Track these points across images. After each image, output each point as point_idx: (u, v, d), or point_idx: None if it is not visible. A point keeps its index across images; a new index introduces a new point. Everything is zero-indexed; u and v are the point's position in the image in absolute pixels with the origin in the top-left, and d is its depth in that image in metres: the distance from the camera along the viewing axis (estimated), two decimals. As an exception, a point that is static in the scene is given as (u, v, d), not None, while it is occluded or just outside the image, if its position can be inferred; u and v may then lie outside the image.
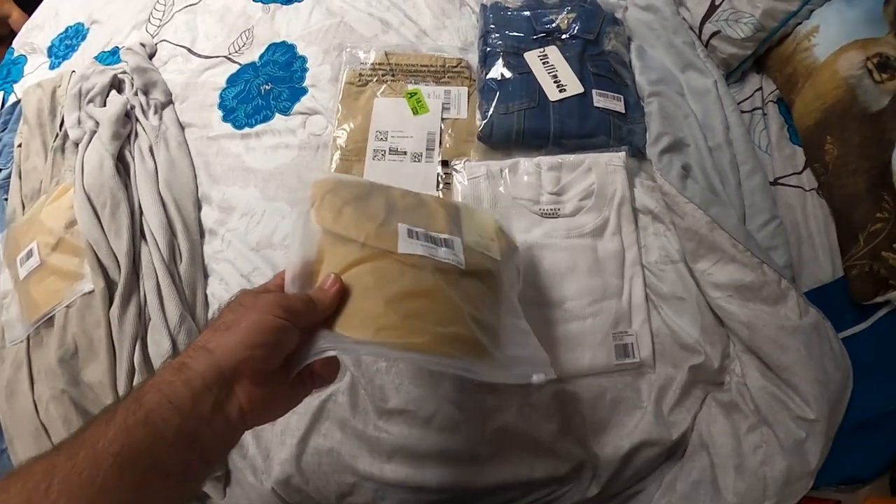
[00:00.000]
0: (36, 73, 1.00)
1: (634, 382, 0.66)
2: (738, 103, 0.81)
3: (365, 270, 0.43)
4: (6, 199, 0.87)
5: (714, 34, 0.82)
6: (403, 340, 0.40)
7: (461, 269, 0.46)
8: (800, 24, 0.77)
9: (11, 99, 1.01)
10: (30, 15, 1.28)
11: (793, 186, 0.74)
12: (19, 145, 0.89)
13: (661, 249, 0.71)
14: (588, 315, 0.67)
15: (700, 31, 0.84)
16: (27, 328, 0.74)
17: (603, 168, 0.73)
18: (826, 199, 0.70)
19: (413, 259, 0.44)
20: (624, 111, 0.76)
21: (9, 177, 0.89)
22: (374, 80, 0.80)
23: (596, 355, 0.66)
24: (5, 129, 0.96)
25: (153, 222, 0.74)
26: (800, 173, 0.74)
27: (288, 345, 0.37)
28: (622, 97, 0.77)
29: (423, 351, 0.40)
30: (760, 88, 0.81)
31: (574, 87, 0.76)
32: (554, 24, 0.82)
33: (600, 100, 0.76)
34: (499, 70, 0.78)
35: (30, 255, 0.76)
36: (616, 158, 0.73)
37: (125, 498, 0.31)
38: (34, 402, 0.70)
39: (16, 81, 1.03)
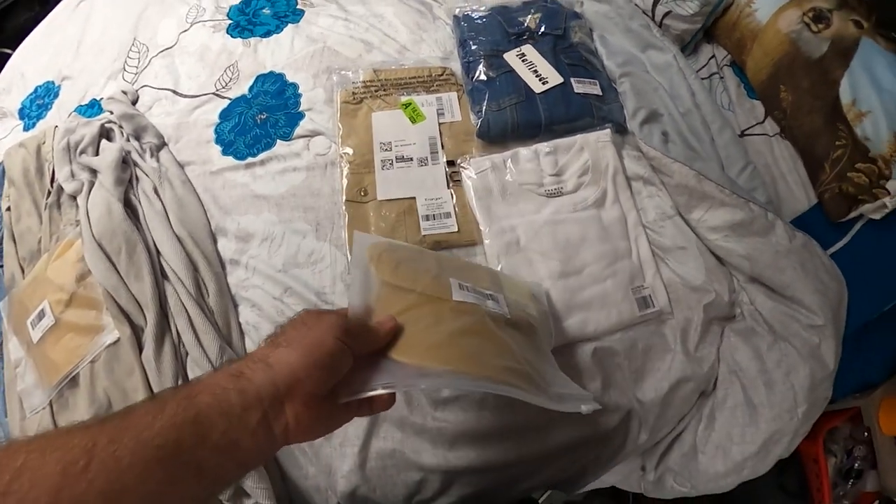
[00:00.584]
0: (11, 136, 0.97)
1: (659, 329, 0.72)
2: (697, 71, 0.91)
3: (423, 311, 0.47)
4: (1, 266, 0.84)
5: (666, 14, 0.92)
6: (467, 370, 0.43)
7: (507, 318, 0.52)
8: None
9: (-10, 165, 0.97)
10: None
11: (758, 135, 0.84)
12: (7, 209, 0.86)
13: (656, 208, 0.79)
14: (607, 277, 0.74)
15: (653, 13, 0.95)
16: (48, 393, 0.71)
17: (594, 145, 0.80)
18: (789, 139, 0.81)
19: (465, 306, 0.49)
20: (601, 93, 0.84)
21: (0, 242, 0.86)
22: (368, 96, 0.84)
23: (621, 310, 0.72)
24: (-14, 195, 0.92)
25: (173, 260, 0.74)
26: (762, 122, 0.84)
27: (343, 368, 0.39)
28: (597, 81, 0.85)
29: (489, 379, 0.43)
30: (713, 56, 0.92)
31: (554, 78, 0.83)
32: (524, 25, 0.89)
33: (579, 86, 0.83)
34: (483, 73, 0.84)
35: (42, 315, 0.74)
36: (603, 135, 0.81)
37: (158, 490, 0.32)
38: None
39: (-10, 146, 1.00)
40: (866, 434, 0.89)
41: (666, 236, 0.77)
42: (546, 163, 0.80)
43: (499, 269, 0.73)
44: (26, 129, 0.96)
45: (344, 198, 0.78)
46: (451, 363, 0.43)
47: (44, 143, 0.87)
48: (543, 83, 0.83)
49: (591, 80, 0.85)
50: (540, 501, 0.67)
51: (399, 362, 0.42)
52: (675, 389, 0.70)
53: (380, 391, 0.40)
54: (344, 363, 0.38)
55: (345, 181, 0.79)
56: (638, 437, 0.71)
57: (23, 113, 0.99)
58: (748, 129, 0.85)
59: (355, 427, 0.67)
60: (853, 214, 0.72)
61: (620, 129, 0.83)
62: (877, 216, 0.71)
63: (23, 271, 0.82)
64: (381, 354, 0.43)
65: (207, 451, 0.33)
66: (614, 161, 0.80)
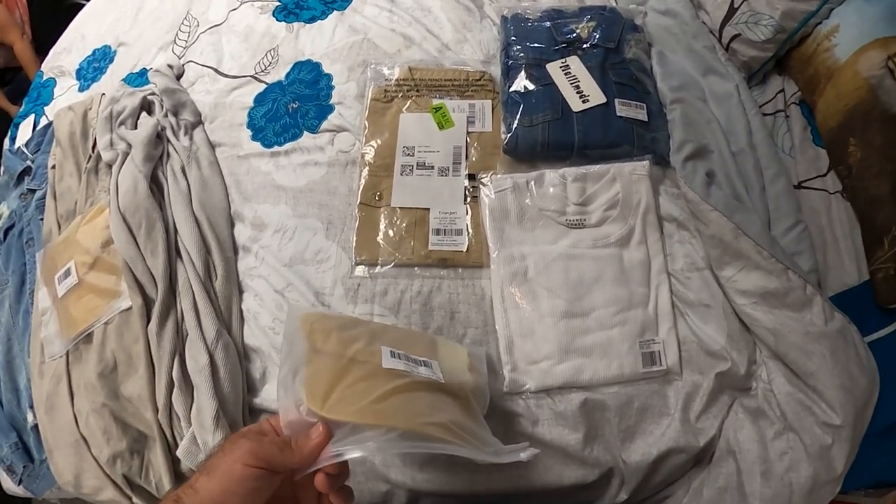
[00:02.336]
0: (66, 96, 1.03)
1: (661, 390, 0.68)
2: (760, 106, 0.81)
3: (354, 374, 0.47)
4: (42, 220, 0.90)
5: (734, 37, 0.82)
6: (401, 425, 0.43)
7: (441, 383, 0.51)
8: (820, 23, 0.77)
9: (43, 121, 1.04)
10: (38, 42, 1.31)
11: (817, 189, 0.74)
12: (52, 167, 0.91)
13: (686, 257, 0.72)
14: (615, 324, 0.69)
15: (720, 34, 0.84)
16: (66, 344, 0.76)
17: (627, 177, 0.74)
18: (850, 201, 0.71)
19: (396, 372, 0.49)
20: (647, 119, 0.77)
21: (43, 197, 0.92)
22: (400, 95, 0.82)
23: (623, 364, 0.67)
24: (38, 150, 0.99)
25: (188, 241, 0.77)
26: (824, 176, 0.74)
27: (264, 488, 0.41)
28: (645, 105, 0.78)
29: (426, 437, 0.43)
30: (782, 90, 0.81)
31: (597, 97, 0.77)
32: (575, 34, 0.82)
33: (623, 109, 0.76)
34: (521, 82, 0.79)
35: (67, 273, 0.79)
36: (640, 167, 0.74)
37: None
38: (74, 414, 0.73)
39: (46, 104, 1.06)
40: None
41: (691, 289, 0.71)
42: (572, 190, 0.75)
43: (500, 298, 0.70)
44: (81, 90, 1.01)
45: (358, 200, 0.77)
46: (387, 420, 0.43)
47: (90, 108, 0.91)
48: (584, 101, 0.77)
49: (638, 104, 0.77)
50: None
51: (333, 420, 0.43)
52: (664, 457, 0.66)
53: (323, 464, 0.41)
54: (262, 485, 0.41)
55: (362, 182, 0.77)
56: (617, 495, 0.68)
57: (79, 74, 1.04)
58: (807, 180, 0.75)
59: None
60: (905, 302, 0.63)
61: (661, 162, 0.76)
62: (931, 308, 0.62)
63: (59, 228, 0.87)
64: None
65: None
66: (647, 197, 0.74)
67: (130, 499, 0.70)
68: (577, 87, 0.78)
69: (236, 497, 0.40)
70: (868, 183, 0.67)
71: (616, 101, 0.77)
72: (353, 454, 0.41)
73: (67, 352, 0.76)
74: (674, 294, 0.71)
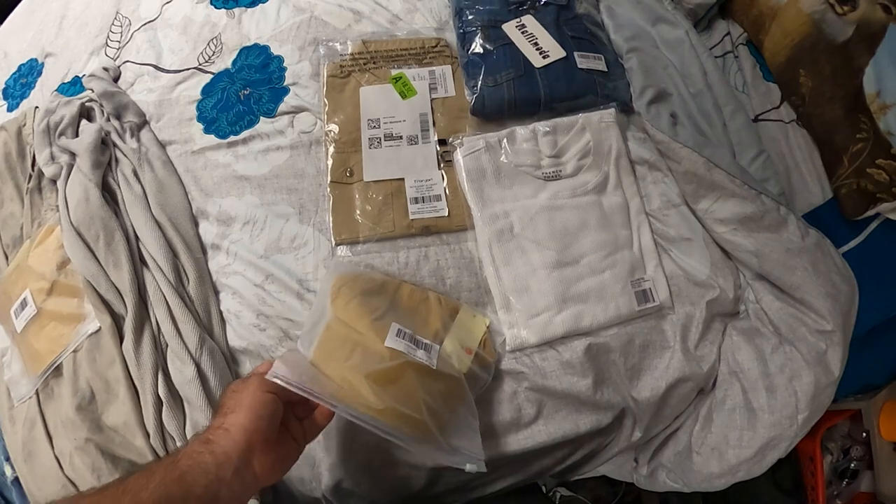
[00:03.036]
0: (-5, 119, 0.94)
1: (658, 325, 0.69)
2: (710, 49, 0.84)
3: (355, 349, 0.56)
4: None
5: (679, -15, 0.85)
6: (366, 405, 0.50)
7: (432, 368, 0.58)
8: None
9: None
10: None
11: (773, 121, 0.78)
12: (-9, 194, 0.83)
13: (661, 196, 0.74)
14: (605, 268, 0.70)
15: (665, -16, 0.87)
16: (34, 382, 0.70)
17: (596, 126, 0.75)
18: (806, 128, 0.74)
19: (394, 352, 0.56)
20: (606, 69, 0.78)
21: (-18, 230, 0.84)
22: (356, 69, 0.79)
23: (619, 304, 0.68)
24: (-28, 179, 0.90)
25: (152, 247, 0.71)
26: (778, 108, 0.78)
27: (278, 413, 0.48)
28: (602, 56, 0.79)
29: (377, 416, 0.50)
30: (728, 33, 0.85)
31: (556, 52, 0.77)
32: (525, -6, 0.83)
33: (583, 61, 0.77)
34: (479, 45, 0.79)
35: (24, 304, 0.72)
36: (607, 115, 0.75)
37: None
38: (56, 458, 0.66)
39: (-28, 129, 0.97)
40: (865, 435, 0.86)
41: (670, 226, 0.72)
42: (544, 143, 0.75)
43: (489, 257, 0.69)
44: (10, 109, 0.93)
45: (329, 179, 0.74)
46: (363, 407, 0.51)
47: (24, 124, 0.84)
48: (544, 57, 0.77)
49: (596, 55, 0.79)
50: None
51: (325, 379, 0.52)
52: (672, 389, 0.67)
53: (304, 392, 0.48)
54: (277, 407, 0.48)
55: (330, 161, 0.75)
56: (632, 434, 0.68)
57: (6, 93, 0.96)
58: (763, 113, 0.79)
59: (340, 421, 0.65)
60: (870, 213, 0.67)
61: (626, 109, 0.78)
62: (894, 216, 0.66)
63: (6, 258, 0.80)
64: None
65: (195, 502, 0.41)
66: (618, 143, 0.75)
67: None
68: (536, 43, 0.78)
69: (263, 421, 0.45)
70: (822, 109, 0.71)
71: (575, 54, 0.78)
72: (328, 405, 0.50)
73: (37, 390, 0.70)
74: (655, 232, 0.72)
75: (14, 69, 0.98)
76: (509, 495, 0.69)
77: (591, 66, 0.78)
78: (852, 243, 0.70)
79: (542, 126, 0.75)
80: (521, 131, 0.75)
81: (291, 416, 0.51)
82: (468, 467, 0.52)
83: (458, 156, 0.73)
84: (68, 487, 0.65)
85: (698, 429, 0.68)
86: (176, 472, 0.42)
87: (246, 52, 0.83)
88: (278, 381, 0.47)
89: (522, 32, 0.79)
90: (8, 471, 0.71)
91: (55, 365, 0.69)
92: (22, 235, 0.80)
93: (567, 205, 0.72)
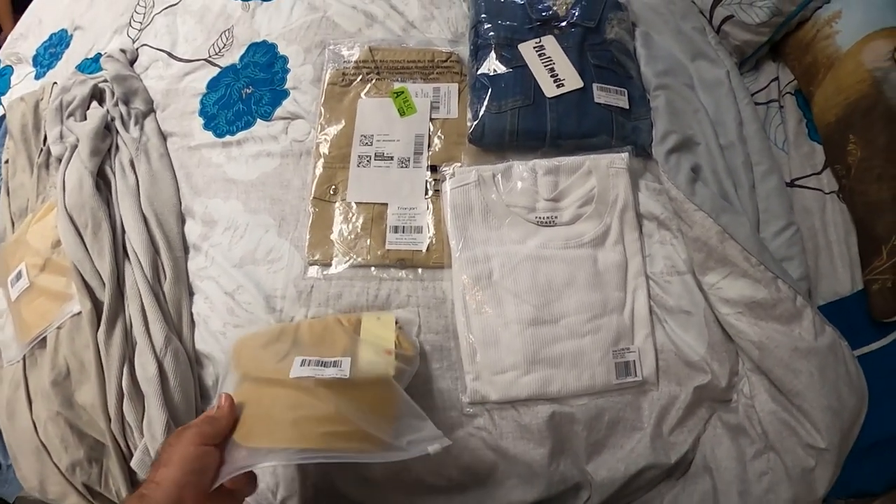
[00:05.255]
0: (23, 84, 0.98)
1: (635, 401, 0.63)
2: (753, 94, 0.74)
3: (262, 395, 0.53)
4: (-5, 217, 0.86)
5: (726, 19, 0.75)
6: (298, 445, 0.48)
7: (347, 380, 0.54)
8: (820, 7, 0.71)
9: (-1, 112, 0.99)
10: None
11: (811, 188, 0.68)
12: (6, 161, 0.87)
13: (666, 259, 0.67)
14: (587, 332, 0.64)
15: (711, 15, 0.78)
16: (22, 349, 0.73)
17: (604, 171, 0.68)
18: (847, 204, 0.65)
19: (302, 381, 0.53)
20: (628, 106, 0.70)
21: (-3, 194, 0.87)
22: (359, 79, 0.75)
23: (595, 374, 0.62)
24: (-7, 144, 0.94)
25: (135, 241, 0.72)
26: (819, 174, 0.68)
27: (211, 464, 0.47)
28: (626, 91, 0.71)
29: (316, 448, 0.48)
30: (777, 78, 0.75)
31: (573, 81, 0.70)
32: (551, 11, 0.75)
33: (601, 95, 0.70)
34: (491, 64, 0.72)
35: (19, 276, 0.75)
36: (618, 160, 0.68)
37: None
38: (33, 421, 0.70)
39: (2, 94, 1.01)
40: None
41: (671, 294, 0.65)
42: (543, 184, 0.68)
43: (462, 303, 0.65)
44: (38, 77, 0.96)
45: (312, 194, 0.71)
46: (285, 441, 0.48)
47: (42, 98, 0.86)
48: (559, 86, 0.70)
49: (619, 89, 0.71)
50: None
51: (243, 447, 0.48)
52: (634, 476, 0.61)
53: (226, 477, 0.46)
54: (209, 460, 0.46)
55: (316, 175, 0.72)
56: (585, 507, 0.63)
57: (36, 60, 0.99)
58: (801, 178, 0.68)
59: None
60: (901, 316, 0.57)
61: (643, 154, 0.70)
62: (928, 323, 0.56)
63: (13, 226, 0.83)
64: (232, 443, 0.48)
65: None
66: (626, 193, 0.68)
67: (94, 505, 0.68)
68: (552, 69, 0.71)
69: (194, 476, 0.45)
70: (868, 186, 0.61)
71: (594, 85, 0.70)
72: (260, 465, 0.47)
73: (24, 357, 0.73)
74: (652, 299, 0.66)
75: (45, 37, 1.01)
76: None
77: (611, 101, 0.70)
78: (875, 345, 0.61)
79: (543, 164, 0.69)
80: (519, 167, 0.69)
81: None
82: (431, 449, 0.50)
83: (447, 187, 0.69)
84: (41, 450, 0.68)
85: (661, 516, 0.62)
86: None
87: (254, 48, 0.81)
88: (223, 482, 0.46)
89: (540, 55, 0.72)
90: (-8, 423, 0.74)
91: (41, 337, 0.72)
92: (28, 207, 0.82)
93: (557, 256, 0.66)
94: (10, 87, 1.01)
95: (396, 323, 0.64)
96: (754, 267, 0.59)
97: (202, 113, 0.80)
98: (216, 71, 0.82)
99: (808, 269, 0.64)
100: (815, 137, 0.69)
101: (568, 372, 0.62)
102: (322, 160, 0.72)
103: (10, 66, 1.05)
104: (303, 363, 0.55)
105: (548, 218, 0.68)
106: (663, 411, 0.62)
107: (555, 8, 0.75)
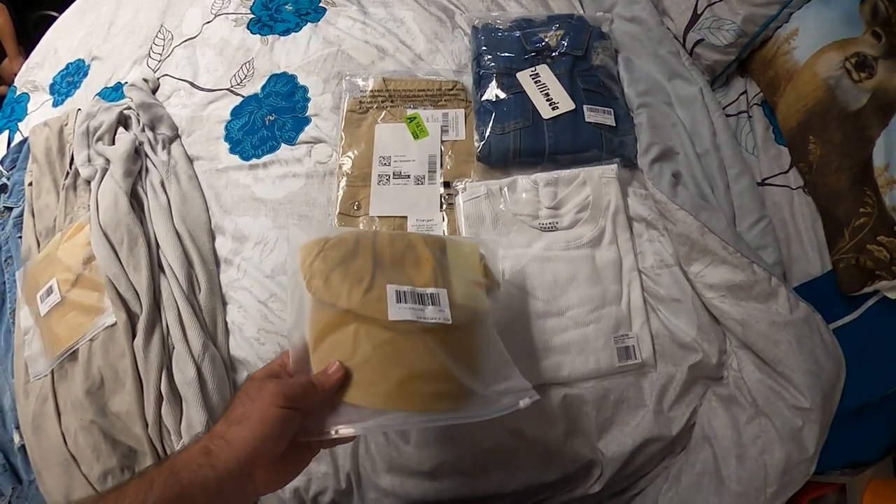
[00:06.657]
0: (40, 111, 1.02)
1: (637, 382, 0.70)
2: (724, 107, 0.84)
3: (360, 338, 0.47)
4: (20, 237, 0.89)
5: (698, 42, 0.85)
6: (405, 407, 0.44)
7: (448, 324, 0.49)
8: (780, 27, 0.80)
9: (17, 138, 1.03)
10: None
11: (780, 186, 0.77)
12: (30, 184, 0.91)
13: (655, 255, 0.75)
14: (590, 322, 0.71)
15: (684, 39, 0.87)
16: (51, 363, 0.76)
17: (597, 181, 0.77)
18: (812, 196, 0.73)
19: (402, 325, 0.47)
20: (614, 124, 0.80)
21: (21, 215, 0.91)
22: (374, 106, 0.83)
23: (599, 359, 0.69)
24: (14, 167, 0.98)
25: (170, 255, 0.77)
26: (786, 173, 0.77)
27: (292, 429, 0.42)
28: (612, 110, 0.80)
29: (422, 412, 0.45)
30: (745, 92, 0.84)
31: (566, 104, 0.79)
32: (544, 43, 0.85)
33: (591, 115, 0.79)
34: (493, 91, 0.81)
35: (50, 291, 0.79)
36: (609, 171, 0.77)
37: None
38: (62, 433, 0.72)
39: (20, 120, 1.05)
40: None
41: (662, 285, 0.73)
42: (544, 194, 0.77)
43: None
44: (55, 105, 1.01)
45: (337, 210, 0.78)
46: (394, 403, 0.44)
47: (66, 124, 0.91)
48: (554, 108, 0.79)
49: (606, 109, 0.80)
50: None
51: (344, 402, 0.45)
52: (639, 448, 0.68)
53: (334, 434, 0.43)
54: (291, 426, 0.42)
55: (340, 193, 0.79)
56: (593, 485, 0.70)
57: (53, 88, 1.04)
58: (770, 177, 0.78)
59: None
60: (867, 290, 0.66)
61: (629, 165, 0.79)
62: (892, 295, 0.65)
63: (39, 245, 0.87)
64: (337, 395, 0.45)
65: None
66: (617, 199, 0.76)
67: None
68: (547, 94, 0.80)
69: (270, 441, 0.41)
70: (828, 178, 0.70)
71: (585, 107, 0.79)
72: (363, 428, 0.44)
73: (52, 370, 0.76)
74: (645, 290, 0.73)
75: (62, 67, 1.06)
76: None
77: (600, 120, 0.79)
78: (847, 318, 0.69)
79: (543, 177, 0.77)
80: (523, 181, 0.77)
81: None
82: (522, 404, 0.47)
83: (460, 200, 0.77)
84: (70, 462, 0.71)
85: (666, 487, 0.69)
86: (176, 488, 0.39)
87: (275, 79, 0.88)
88: (343, 434, 0.43)
89: (535, 82, 0.81)
90: (16, 438, 0.77)
91: (72, 350, 0.76)
92: (55, 227, 0.86)
93: (560, 256, 0.74)
94: (27, 114, 1.06)
95: (481, 252, 0.58)
96: (732, 255, 0.68)
97: (227, 138, 0.86)
98: (239, 100, 0.89)
99: (782, 256, 0.72)
100: (781, 141, 0.79)
101: (576, 357, 0.69)
102: (345, 179, 0.79)
103: (27, 93, 1.10)
104: (399, 298, 0.47)
105: (550, 224, 0.76)
106: (663, 389, 0.69)
107: (546, 39, 0.85)
